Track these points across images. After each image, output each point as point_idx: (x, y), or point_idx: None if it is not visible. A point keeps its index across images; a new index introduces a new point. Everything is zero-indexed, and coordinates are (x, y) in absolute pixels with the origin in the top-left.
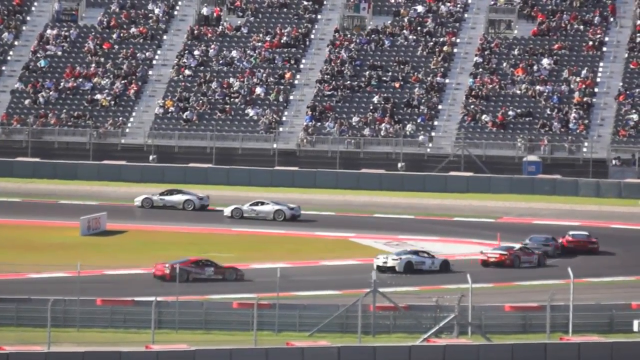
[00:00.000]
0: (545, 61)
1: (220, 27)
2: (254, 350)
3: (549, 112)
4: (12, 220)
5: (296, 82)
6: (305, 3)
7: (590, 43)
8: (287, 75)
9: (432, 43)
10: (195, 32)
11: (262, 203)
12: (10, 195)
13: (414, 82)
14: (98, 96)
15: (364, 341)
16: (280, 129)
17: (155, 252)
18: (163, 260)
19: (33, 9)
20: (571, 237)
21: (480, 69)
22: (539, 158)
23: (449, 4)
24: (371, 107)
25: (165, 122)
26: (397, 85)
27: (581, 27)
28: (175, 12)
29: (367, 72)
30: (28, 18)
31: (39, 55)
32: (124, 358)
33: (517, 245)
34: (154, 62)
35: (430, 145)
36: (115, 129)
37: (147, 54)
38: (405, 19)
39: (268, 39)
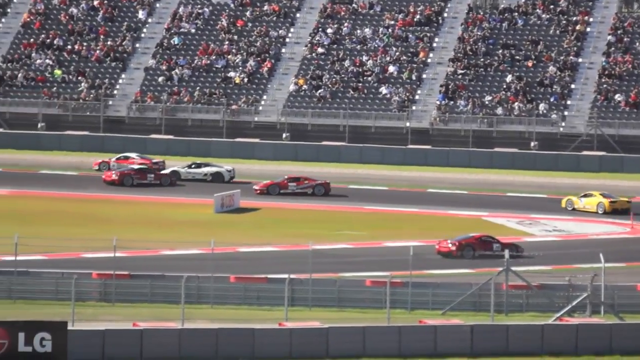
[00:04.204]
0: None
1: (354, 5)
2: (387, 328)
3: None
4: (147, 197)
5: (429, 60)
6: None
7: None
8: (421, 53)
9: (565, 22)
10: (329, 10)
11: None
12: None
13: (546, 61)
14: (231, 74)
15: (497, 320)
16: (413, 108)
17: (288, 230)
18: (444, 238)
19: None
20: None
21: (613, 48)
22: None
23: None
24: (504, 86)
25: (298, 100)
26: (529, 64)
27: None
28: None
29: (500, 51)
30: None
31: (172, 32)
32: (257, 335)
33: None
34: (287, 40)
35: (563, 124)
36: (248, 107)
37: (281, 31)
38: None
39: (401, 17)
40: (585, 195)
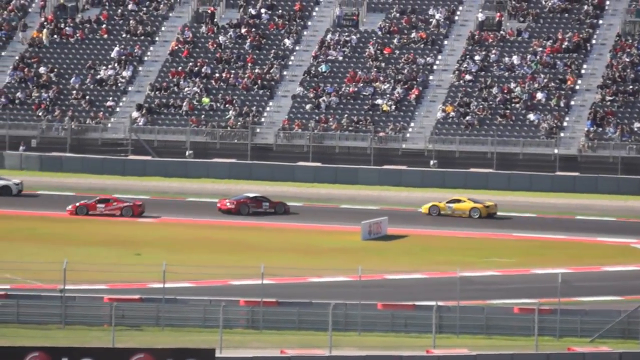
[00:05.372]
0: None
1: (502, 32)
2: (535, 356)
3: None
4: (293, 225)
5: (577, 87)
6: (587, 8)
7: None
8: (569, 80)
9: None
10: (476, 37)
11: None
12: (292, 200)
13: None
14: (379, 101)
15: None
16: (561, 134)
17: (435, 257)
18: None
19: (314, 14)
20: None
21: None
22: None
23: None
24: None
25: (445, 127)
26: None
27: None
28: (456, 17)
29: None
30: (309, 23)
31: (320, 60)
32: None
33: None
34: (435, 67)
35: None
36: (396, 134)
37: (428, 59)
38: None
39: (549, 44)
40: (452, 201)
